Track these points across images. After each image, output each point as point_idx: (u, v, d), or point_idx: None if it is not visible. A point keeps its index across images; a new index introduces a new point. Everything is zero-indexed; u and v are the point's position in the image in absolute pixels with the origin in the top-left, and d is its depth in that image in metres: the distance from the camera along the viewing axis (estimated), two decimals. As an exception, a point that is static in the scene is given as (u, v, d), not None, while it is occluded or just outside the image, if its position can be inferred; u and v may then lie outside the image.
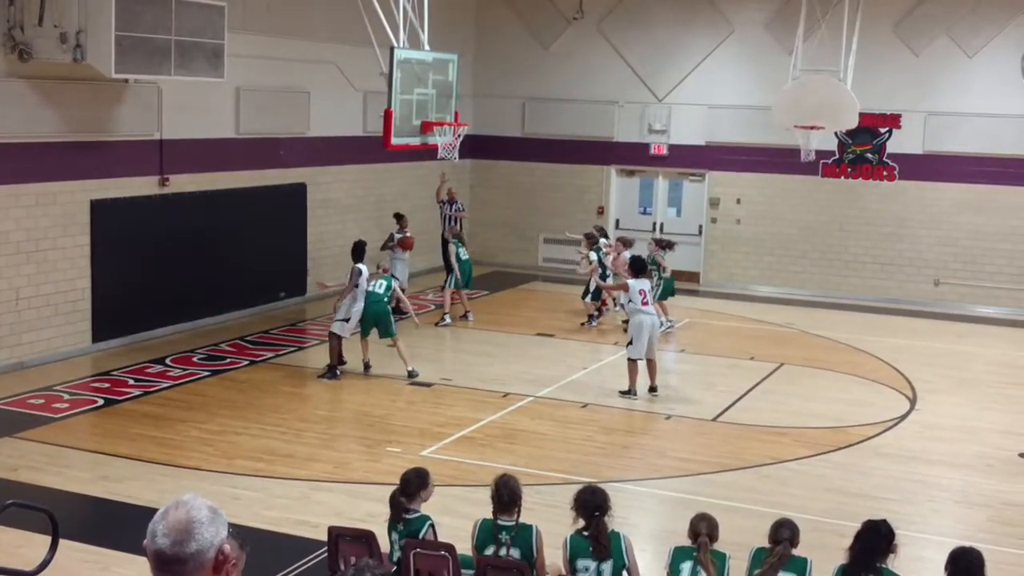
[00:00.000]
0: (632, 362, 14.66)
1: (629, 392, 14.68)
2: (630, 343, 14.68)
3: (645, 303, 14.67)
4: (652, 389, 14.82)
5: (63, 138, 15.32)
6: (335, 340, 15.30)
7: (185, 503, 3.16)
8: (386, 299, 15.35)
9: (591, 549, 7.20)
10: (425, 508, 7.81)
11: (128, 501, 10.38)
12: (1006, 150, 21.38)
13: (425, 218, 22.42)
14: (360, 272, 15.33)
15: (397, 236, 19.60)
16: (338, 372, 15.28)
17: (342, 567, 7.67)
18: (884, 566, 6.78)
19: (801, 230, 23.07)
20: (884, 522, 6.91)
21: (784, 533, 7.19)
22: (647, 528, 10.30)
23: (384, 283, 15.42)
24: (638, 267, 15.20)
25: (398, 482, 7.86)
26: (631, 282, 14.88)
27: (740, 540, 8.63)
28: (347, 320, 15.26)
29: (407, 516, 7.66)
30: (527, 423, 13.53)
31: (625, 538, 7.33)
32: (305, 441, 12.52)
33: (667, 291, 18.82)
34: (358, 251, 15.68)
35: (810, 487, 11.54)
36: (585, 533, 7.26)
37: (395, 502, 7.74)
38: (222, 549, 3.13)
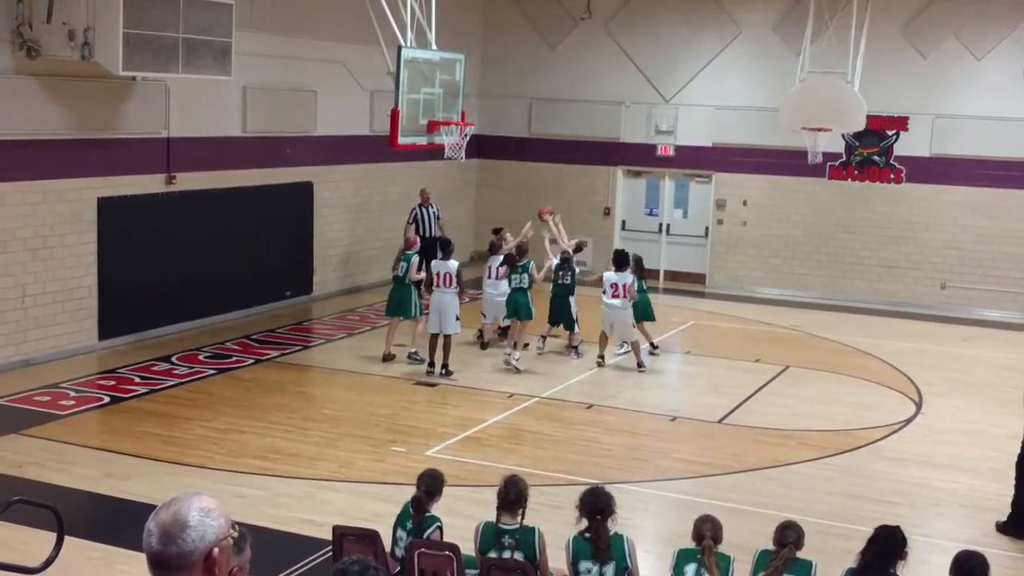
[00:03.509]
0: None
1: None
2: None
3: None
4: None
5: (70, 135, 15.34)
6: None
7: (177, 503, 3.09)
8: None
9: (592, 551, 7.21)
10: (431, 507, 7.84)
11: (133, 499, 10.39)
12: (1014, 153, 21.32)
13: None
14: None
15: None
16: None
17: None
18: (894, 572, 6.77)
19: (807, 232, 23.04)
20: (899, 528, 6.89)
21: (789, 536, 7.18)
22: (651, 530, 10.29)
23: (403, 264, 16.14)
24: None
25: (418, 482, 7.88)
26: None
27: (744, 543, 8.62)
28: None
29: (424, 515, 7.70)
30: (532, 424, 13.54)
31: (628, 540, 7.32)
32: (310, 440, 12.53)
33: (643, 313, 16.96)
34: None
35: (815, 490, 11.53)
36: (587, 535, 7.27)
37: (420, 504, 7.75)
38: (211, 552, 3.05)
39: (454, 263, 15.61)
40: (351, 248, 21.44)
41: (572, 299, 16.77)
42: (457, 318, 15.56)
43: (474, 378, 15.49)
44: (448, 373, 15.45)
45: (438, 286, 15.50)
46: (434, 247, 17.59)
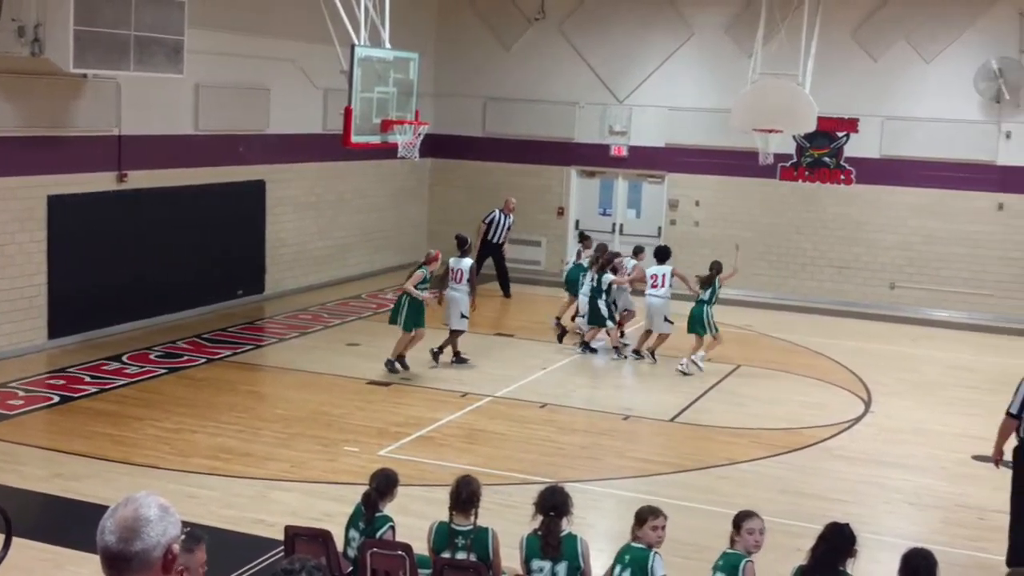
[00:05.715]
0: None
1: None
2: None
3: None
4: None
5: (20, 133, 15.17)
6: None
7: (135, 500, 3.13)
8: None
9: (541, 547, 7.24)
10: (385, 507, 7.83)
11: (83, 499, 10.29)
12: (962, 155, 21.60)
13: (382, 216, 22.46)
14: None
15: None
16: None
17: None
18: (843, 569, 6.84)
19: (759, 233, 23.18)
20: (848, 526, 6.96)
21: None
22: (605, 529, 10.32)
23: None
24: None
25: (370, 481, 7.87)
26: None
27: (697, 541, 8.70)
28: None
29: (376, 515, 7.69)
30: (486, 423, 13.55)
31: (582, 541, 7.33)
32: (262, 440, 12.47)
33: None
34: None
35: (765, 488, 11.61)
36: (539, 532, 7.29)
37: (370, 501, 7.74)
38: (171, 549, 3.10)
39: (468, 261, 16.12)
40: (304, 247, 21.34)
41: (601, 301, 17.13)
42: (463, 316, 15.98)
43: (427, 377, 15.48)
44: (461, 360, 16.16)
45: (452, 281, 15.99)
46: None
